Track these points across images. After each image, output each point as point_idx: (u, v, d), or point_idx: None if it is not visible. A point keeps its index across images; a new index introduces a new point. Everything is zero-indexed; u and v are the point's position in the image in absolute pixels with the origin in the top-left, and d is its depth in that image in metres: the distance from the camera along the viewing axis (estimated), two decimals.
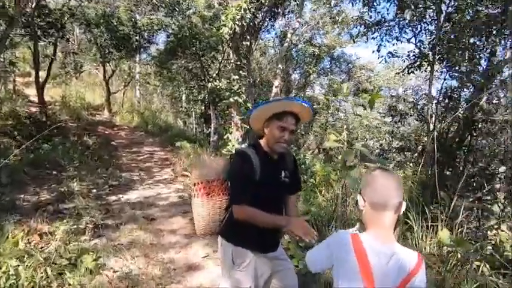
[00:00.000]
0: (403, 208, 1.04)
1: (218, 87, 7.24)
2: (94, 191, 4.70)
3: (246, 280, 1.54)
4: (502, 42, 7.05)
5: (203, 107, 12.84)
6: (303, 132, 17.74)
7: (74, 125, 9.00)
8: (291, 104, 1.55)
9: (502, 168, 7.83)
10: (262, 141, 1.62)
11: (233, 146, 7.16)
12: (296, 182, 1.76)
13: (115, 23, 9.59)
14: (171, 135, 9.81)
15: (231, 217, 1.56)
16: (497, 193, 7.61)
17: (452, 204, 3.14)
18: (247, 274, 1.55)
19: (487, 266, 2.74)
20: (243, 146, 1.73)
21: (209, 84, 9.84)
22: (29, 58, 11.89)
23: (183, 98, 14.87)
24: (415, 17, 7.08)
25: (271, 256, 1.63)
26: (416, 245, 2.99)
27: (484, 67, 7.39)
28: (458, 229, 3.06)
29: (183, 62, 10.63)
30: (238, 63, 7.37)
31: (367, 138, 14.04)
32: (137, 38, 10.38)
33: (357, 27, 8.01)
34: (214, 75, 10.61)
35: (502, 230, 3.87)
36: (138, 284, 2.47)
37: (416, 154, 9.73)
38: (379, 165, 1.91)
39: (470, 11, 6.73)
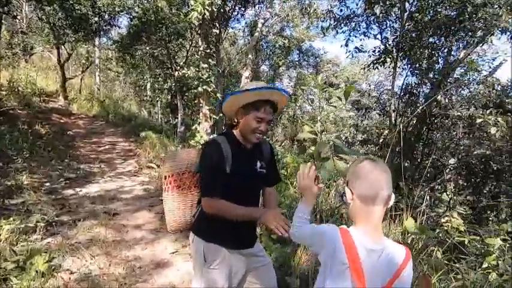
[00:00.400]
0: (392, 201, 1.00)
1: (186, 75, 6.93)
2: (47, 184, 4.28)
3: (219, 279, 1.43)
4: (457, 42, 7.54)
5: (169, 97, 12.34)
6: (272, 125, 17.85)
7: (23, 112, 8.15)
8: (271, 93, 1.43)
9: (452, 160, 8.50)
10: (235, 131, 1.51)
11: (201, 137, 6.95)
12: (274, 173, 1.67)
13: (71, 1, 8.75)
14: (134, 125, 9.31)
15: (202, 211, 1.46)
16: (448, 183, 8.25)
17: (417, 194, 3.29)
18: (221, 272, 1.44)
19: (440, 250, 2.92)
20: (213, 136, 1.58)
21: (176, 73, 9.44)
22: None
23: (148, 86, 14.17)
24: (381, 14, 7.30)
25: (246, 253, 1.52)
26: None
27: (441, 65, 7.88)
28: (421, 217, 3.21)
29: (147, 48, 10.06)
30: (208, 51, 7.10)
31: (333, 131, 14.46)
32: (96, 19, 9.58)
33: (326, 21, 8.09)
34: (182, 63, 10.20)
35: (454, 217, 4.19)
36: (99, 285, 2.27)
37: (378, 147, 10.20)
38: (356, 156, 1.90)
39: (431, 11, 7.07)
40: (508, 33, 6.85)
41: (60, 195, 4.00)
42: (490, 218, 7.54)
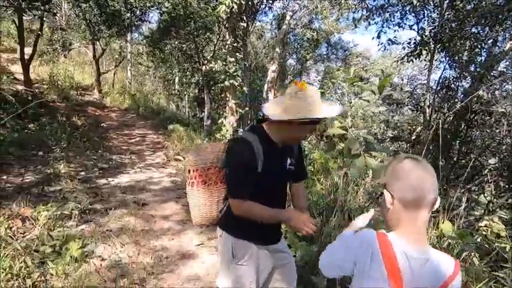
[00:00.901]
0: (438, 204, 0.90)
1: (214, 69, 6.96)
2: (82, 173, 4.50)
3: (247, 275, 1.42)
4: (503, 33, 6.92)
5: (197, 90, 12.53)
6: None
7: (62, 105, 8.65)
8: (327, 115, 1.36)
9: (493, 160, 7.89)
10: (266, 126, 1.41)
11: (227, 131, 6.99)
12: (301, 169, 1.62)
13: None
14: (163, 118, 9.57)
15: (230, 208, 1.43)
16: (486, 185, 7.68)
17: (455, 196, 3.07)
18: (249, 268, 1.43)
19: (477, 257, 2.71)
20: (241, 130, 1.50)
21: (203, 67, 9.54)
22: (13, 33, 11.29)
23: (176, 80, 14.48)
24: (418, 2, 6.87)
25: (272, 249, 1.51)
26: None
27: (484, 58, 7.30)
28: (458, 221, 3.00)
29: (176, 42, 10.25)
30: (235, 45, 7.09)
31: (362, 127, 14.00)
32: (129, 15, 9.90)
33: (358, 12, 7.76)
34: (209, 57, 10.29)
35: (494, 221, 3.87)
36: (128, 273, 2.34)
37: (409, 144, 9.71)
38: (403, 154, 1.79)
39: None
40: None
41: (93, 184, 4.20)
42: None
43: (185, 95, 14.35)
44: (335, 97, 14.98)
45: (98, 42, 11.12)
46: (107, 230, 2.93)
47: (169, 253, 2.73)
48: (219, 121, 7.65)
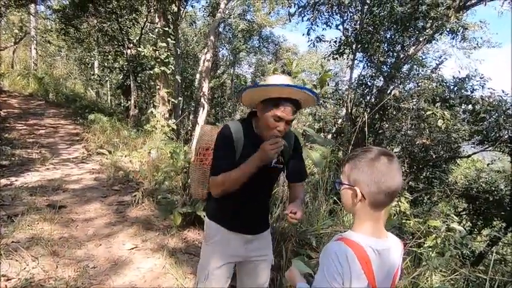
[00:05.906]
0: None
1: (142, 54, 6.36)
2: None
3: (211, 256, 1.44)
4: (409, 39, 8.00)
5: (121, 76, 11.37)
6: (230, 111, 17.59)
7: None
8: (294, 91, 1.26)
9: (397, 149, 9.19)
10: (254, 120, 1.41)
11: (158, 121, 6.54)
12: (297, 170, 1.48)
13: None
14: (80, 107, 8.43)
15: (210, 192, 1.46)
16: None
17: None
18: (213, 250, 1.44)
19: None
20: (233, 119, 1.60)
21: (129, 51, 8.67)
22: None
23: (96, 64, 12.89)
24: (347, 2, 7.38)
25: (248, 239, 1.45)
26: (342, 222, 3.16)
27: (394, 60, 8.34)
28: None
29: (95, 21, 9.03)
30: (166, 29, 6.59)
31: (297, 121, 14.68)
32: None
33: (290, 7, 8.01)
34: (135, 40, 9.38)
35: (401, 202, 4.52)
36: None
37: (332, 135, 10.58)
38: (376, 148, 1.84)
39: (388, 7, 7.35)
40: (453, 34, 7.47)
41: None
42: (424, 201, 8.40)
43: (107, 81, 12.90)
44: None
45: None
46: (13, 242, 2.41)
47: (97, 262, 2.40)
48: (149, 111, 7.10)
